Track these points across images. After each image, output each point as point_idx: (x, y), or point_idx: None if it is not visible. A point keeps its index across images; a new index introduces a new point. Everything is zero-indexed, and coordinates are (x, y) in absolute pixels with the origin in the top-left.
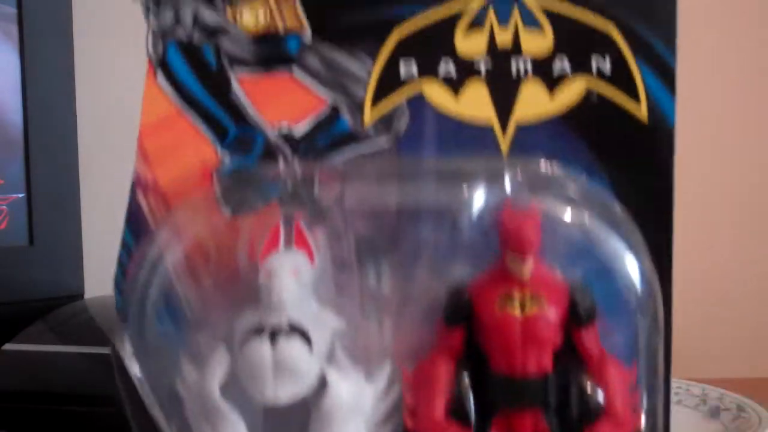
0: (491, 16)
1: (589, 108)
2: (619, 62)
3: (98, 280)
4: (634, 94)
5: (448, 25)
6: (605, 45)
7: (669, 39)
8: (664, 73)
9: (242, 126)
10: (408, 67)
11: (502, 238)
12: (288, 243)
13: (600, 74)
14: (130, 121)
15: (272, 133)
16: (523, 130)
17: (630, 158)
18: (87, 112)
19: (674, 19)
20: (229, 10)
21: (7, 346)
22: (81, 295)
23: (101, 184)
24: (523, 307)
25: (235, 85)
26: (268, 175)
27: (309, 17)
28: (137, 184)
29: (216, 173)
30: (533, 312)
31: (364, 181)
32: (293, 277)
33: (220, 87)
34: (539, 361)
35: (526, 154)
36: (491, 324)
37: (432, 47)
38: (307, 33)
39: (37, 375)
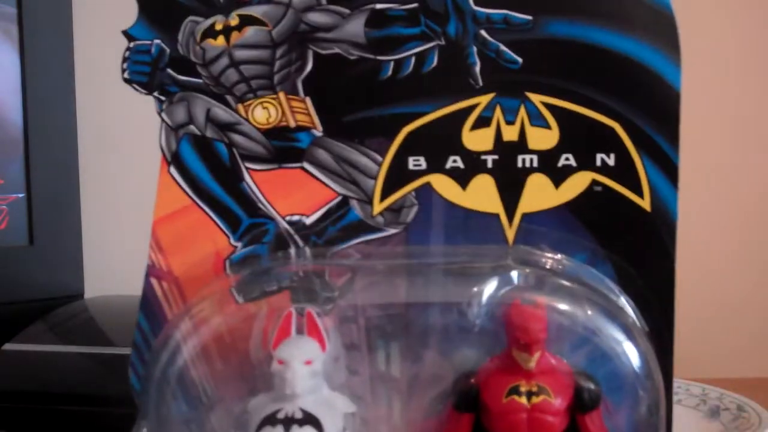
0: (498, 113)
1: (594, 197)
2: (623, 158)
3: (98, 280)
4: (638, 189)
5: (456, 121)
6: (610, 142)
7: (673, 136)
8: (668, 168)
9: (254, 216)
10: (416, 162)
11: (510, 334)
12: (300, 331)
13: (605, 168)
14: (130, 121)
15: (283, 223)
16: (528, 218)
17: (633, 245)
18: (87, 112)
19: (678, 117)
20: (240, 107)
21: (7, 346)
22: (81, 295)
23: (101, 184)
24: (529, 397)
25: (247, 178)
26: (279, 263)
27: (320, 114)
28: (151, 272)
29: (229, 261)
30: (539, 401)
31: (375, 267)
32: (306, 367)
33: (232, 180)
34: None
35: (532, 243)
36: (498, 412)
37: (439, 143)
38: (318, 129)
39: (37, 375)
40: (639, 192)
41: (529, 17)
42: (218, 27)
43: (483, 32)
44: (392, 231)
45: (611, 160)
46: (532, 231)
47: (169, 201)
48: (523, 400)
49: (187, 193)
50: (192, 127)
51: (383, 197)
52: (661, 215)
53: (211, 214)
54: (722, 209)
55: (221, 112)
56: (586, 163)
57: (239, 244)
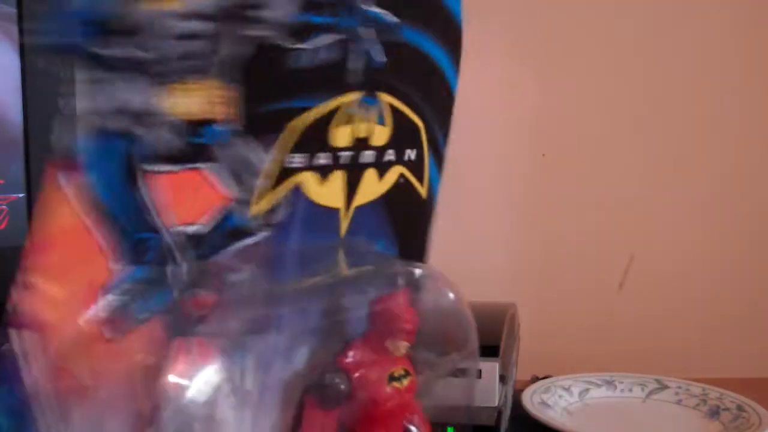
0: (358, 111)
1: (398, 188)
2: (420, 153)
3: None
4: (422, 179)
5: (328, 118)
6: (416, 139)
7: (447, 132)
8: (440, 162)
9: (140, 230)
10: (292, 160)
11: (389, 324)
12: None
13: (409, 162)
14: None
15: (167, 236)
16: (357, 211)
17: (411, 226)
18: None
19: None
20: (161, 93)
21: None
22: None
23: None
24: (401, 380)
25: (141, 182)
26: (156, 283)
27: (236, 106)
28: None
29: (103, 292)
30: (409, 382)
31: (242, 276)
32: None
33: (125, 186)
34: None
35: (356, 234)
36: (383, 399)
37: (313, 141)
38: (230, 123)
39: None
40: (422, 181)
41: (396, 20)
42: None
43: (362, 30)
44: (263, 234)
45: (413, 155)
46: (358, 223)
47: (58, 219)
48: (397, 384)
49: (75, 208)
50: (93, 118)
51: (259, 198)
52: (430, 201)
53: (96, 231)
54: (725, 210)
55: (136, 98)
56: (400, 158)
57: (117, 267)
